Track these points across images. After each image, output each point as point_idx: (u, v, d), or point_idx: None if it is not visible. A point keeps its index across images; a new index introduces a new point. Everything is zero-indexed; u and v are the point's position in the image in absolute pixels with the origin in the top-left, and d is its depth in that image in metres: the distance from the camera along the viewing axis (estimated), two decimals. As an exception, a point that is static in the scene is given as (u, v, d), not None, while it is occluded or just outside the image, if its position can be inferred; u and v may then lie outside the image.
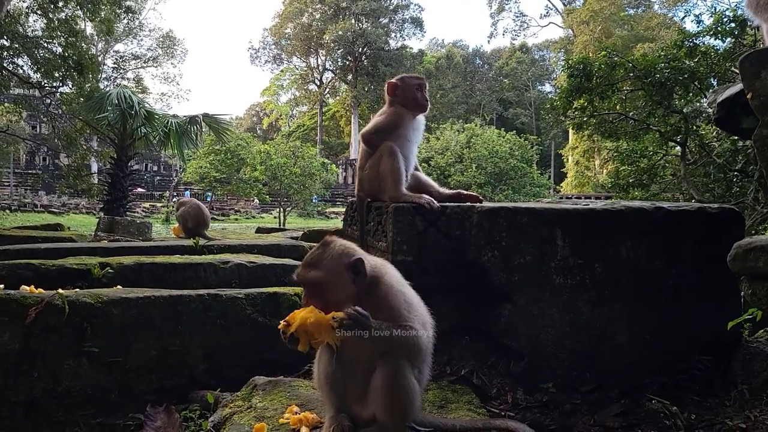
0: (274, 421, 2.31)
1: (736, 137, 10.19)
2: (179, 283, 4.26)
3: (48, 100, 22.19)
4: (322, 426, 2.20)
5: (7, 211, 35.13)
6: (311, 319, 2.00)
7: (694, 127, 12.21)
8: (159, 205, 44.77)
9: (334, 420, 2.16)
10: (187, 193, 41.77)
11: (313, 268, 2.09)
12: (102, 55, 51.39)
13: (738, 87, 3.19)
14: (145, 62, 57.80)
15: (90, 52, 22.92)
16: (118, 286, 3.88)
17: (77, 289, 3.64)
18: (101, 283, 4.14)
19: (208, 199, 49.06)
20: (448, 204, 3.14)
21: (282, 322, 2.09)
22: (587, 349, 3.05)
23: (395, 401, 2.08)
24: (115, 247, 5.69)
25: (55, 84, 20.87)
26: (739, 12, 10.92)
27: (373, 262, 2.20)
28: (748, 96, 2.83)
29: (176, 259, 4.80)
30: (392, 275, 2.22)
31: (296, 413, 2.33)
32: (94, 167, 34.25)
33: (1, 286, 3.55)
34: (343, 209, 4.67)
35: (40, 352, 3.00)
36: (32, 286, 3.53)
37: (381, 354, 2.08)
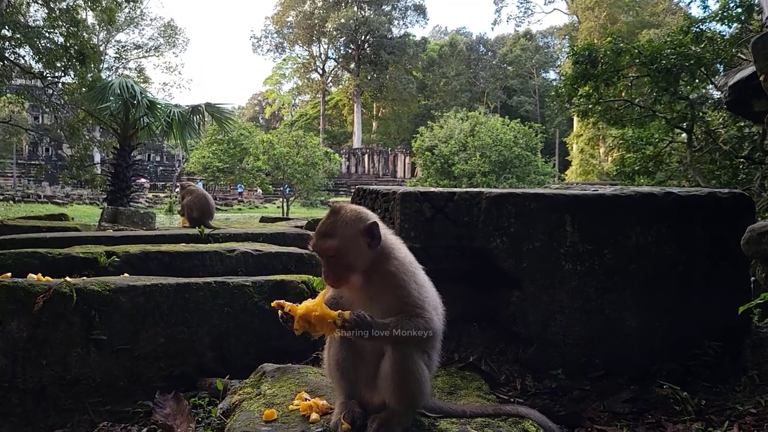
0: (283, 407, 2.31)
1: (742, 124, 10.13)
2: (185, 272, 4.25)
3: (50, 91, 22.19)
4: (332, 412, 2.19)
5: (11, 202, 35.28)
6: (316, 313, 2.00)
7: (701, 114, 12.14)
8: (162, 195, 44.86)
9: (344, 406, 2.15)
10: (200, 183, 41.82)
11: (329, 237, 2.04)
12: (103, 45, 51.20)
13: (749, 70, 3.14)
14: (146, 52, 57.58)
15: (91, 42, 22.80)
16: (125, 274, 3.88)
17: (84, 278, 3.64)
18: (108, 271, 4.12)
19: (240, 191, 49.11)
20: (455, 190, 3.12)
21: (276, 302, 2.08)
22: (596, 335, 3.04)
23: (405, 387, 2.07)
24: (121, 236, 5.68)
25: (57, 74, 20.87)
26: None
27: (388, 235, 2.17)
28: (761, 78, 2.78)
29: (182, 247, 4.79)
30: (403, 251, 2.18)
31: (306, 400, 2.32)
32: (97, 158, 34.26)
33: (9, 274, 3.54)
34: (348, 199, 4.65)
35: (49, 340, 3.00)
36: (39, 275, 3.53)
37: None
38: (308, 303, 2.05)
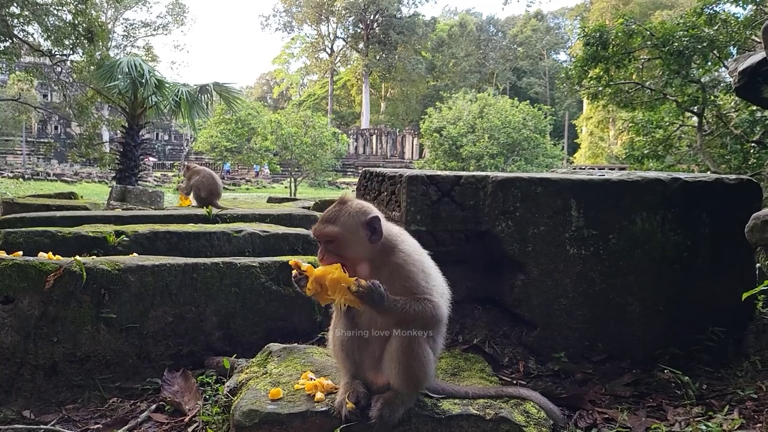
0: (289, 386, 2.35)
1: (754, 108, 10.01)
2: (193, 252, 4.29)
3: (59, 69, 22.18)
4: (337, 392, 2.23)
5: (20, 179, 35.49)
6: (332, 275, 2.00)
7: (712, 97, 12.01)
8: (171, 174, 45.01)
9: (348, 386, 2.18)
10: (227, 165, 42.29)
11: (330, 223, 2.10)
12: (112, 23, 50.99)
13: (760, 55, 3.12)
14: (154, 30, 57.34)
15: (100, 20, 22.73)
16: (134, 254, 3.93)
17: (94, 257, 3.69)
18: (117, 250, 4.16)
19: (259, 169, 49.32)
20: (462, 173, 3.13)
21: (294, 261, 2.12)
22: (600, 319, 3.06)
23: (410, 369, 2.10)
24: (130, 216, 5.72)
25: (65, 52, 20.84)
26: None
27: (391, 228, 2.21)
28: (772, 64, 2.76)
29: (190, 227, 4.82)
30: (409, 243, 2.21)
31: (311, 379, 2.36)
32: (106, 136, 34.31)
33: (20, 253, 3.59)
34: (355, 180, 4.65)
35: (60, 318, 3.05)
36: (50, 253, 3.57)
37: (397, 323, 2.10)
38: (326, 267, 2.06)
